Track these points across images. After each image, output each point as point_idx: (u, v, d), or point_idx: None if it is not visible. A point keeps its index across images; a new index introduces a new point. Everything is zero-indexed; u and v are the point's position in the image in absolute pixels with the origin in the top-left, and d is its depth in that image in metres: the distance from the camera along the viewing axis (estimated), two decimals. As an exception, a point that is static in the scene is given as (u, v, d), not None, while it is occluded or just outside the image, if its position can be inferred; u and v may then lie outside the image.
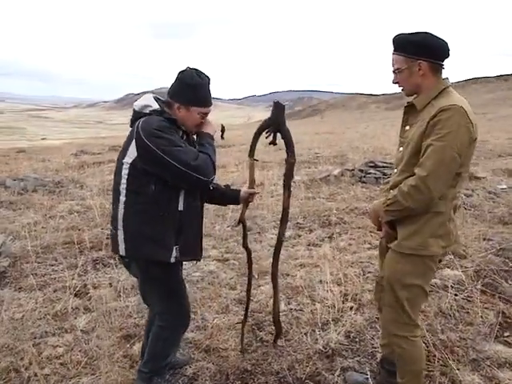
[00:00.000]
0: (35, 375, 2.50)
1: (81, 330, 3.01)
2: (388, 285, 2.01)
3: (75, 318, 3.20)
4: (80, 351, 2.76)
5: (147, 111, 2.03)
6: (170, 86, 2.10)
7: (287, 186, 2.29)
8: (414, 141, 1.86)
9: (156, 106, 2.04)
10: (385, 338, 2.34)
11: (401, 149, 2.02)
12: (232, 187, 2.58)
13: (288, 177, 2.27)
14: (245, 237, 2.50)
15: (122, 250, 2.06)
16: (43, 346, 2.83)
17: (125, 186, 2.01)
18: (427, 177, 1.76)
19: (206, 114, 2.10)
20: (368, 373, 2.49)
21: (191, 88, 2.01)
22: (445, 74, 1.95)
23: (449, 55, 1.88)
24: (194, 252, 2.22)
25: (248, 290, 2.60)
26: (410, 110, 2.00)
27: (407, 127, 2.01)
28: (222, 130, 32.94)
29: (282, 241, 2.40)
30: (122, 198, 2.02)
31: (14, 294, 3.59)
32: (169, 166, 1.91)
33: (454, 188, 1.88)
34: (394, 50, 1.94)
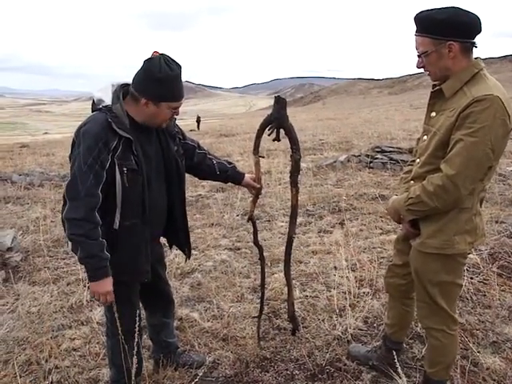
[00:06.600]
0: (56, 367, 2.51)
1: (97, 323, 3.01)
2: (418, 281, 1.94)
3: (90, 311, 3.20)
4: (98, 343, 2.77)
5: (101, 106, 1.83)
6: (134, 75, 1.80)
7: (294, 183, 2.16)
8: (442, 132, 1.71)
9: (109, 100, 1.82)
10: (389, 319, 2.32)
11: (425, 137, 1.87)
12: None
13: (294, 173, 2.15)
14: (255, 234, 2.41)
15: None
16: (61, 338, 2.84)
17: None
18: (455, 175, 1.63)
19: (178, 107, 1.87)
20: (370, 346, 2.50)
21: (160, 82, 1.73)
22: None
23: (481, 31, 1.68)
24: (131, 273, 1.99)
25: (262, 286, 2.52)
26: (438, 95, 1.81)
27: (433, 113, 1.84)
28: (198, 121, 32.97)
29: (293, 240, 2.28)
30: None
31: (29, 288, 3.60)
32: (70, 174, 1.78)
33: (483, 181, 1.75)
34: (418, 31, 1.73)
